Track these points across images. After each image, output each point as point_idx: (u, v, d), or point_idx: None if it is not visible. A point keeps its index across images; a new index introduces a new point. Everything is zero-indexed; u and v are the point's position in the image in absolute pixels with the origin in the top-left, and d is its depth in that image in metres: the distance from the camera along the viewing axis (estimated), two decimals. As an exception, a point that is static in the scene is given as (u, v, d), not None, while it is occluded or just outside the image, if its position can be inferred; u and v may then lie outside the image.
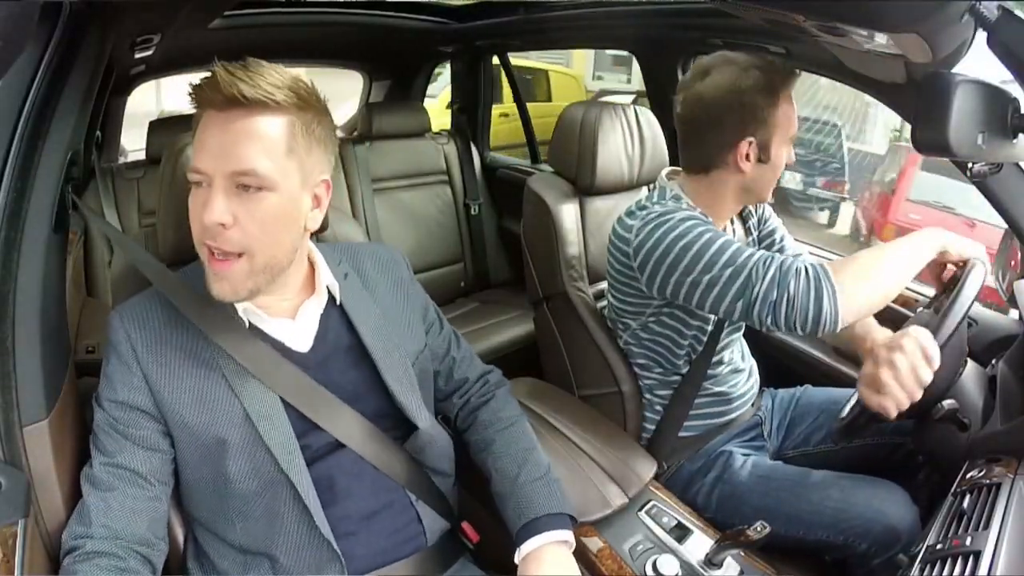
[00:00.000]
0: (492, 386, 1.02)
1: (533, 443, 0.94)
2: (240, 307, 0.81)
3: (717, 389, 1.21)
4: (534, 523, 0.84)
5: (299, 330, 0.84)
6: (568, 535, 0.84)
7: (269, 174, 0.73)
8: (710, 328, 1.17)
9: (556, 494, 0.87)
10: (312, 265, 0.88)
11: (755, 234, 1.28)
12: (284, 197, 0.75)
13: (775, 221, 1.30)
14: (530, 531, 0.83)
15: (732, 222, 1.21)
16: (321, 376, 0.82)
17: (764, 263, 0.95)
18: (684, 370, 1.19)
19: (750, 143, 1.07)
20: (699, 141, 1.12)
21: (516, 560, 0.83)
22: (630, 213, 1.13)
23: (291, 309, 0.84)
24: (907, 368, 0.87)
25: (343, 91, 2.95)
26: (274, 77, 0.74)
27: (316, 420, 0.81)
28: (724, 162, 1.10)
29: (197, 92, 0.74)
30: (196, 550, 0.84)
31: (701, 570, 0.84)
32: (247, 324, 0.82)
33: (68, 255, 1.10)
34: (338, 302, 0.87)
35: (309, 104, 0.77)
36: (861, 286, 0.92)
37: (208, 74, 0.74)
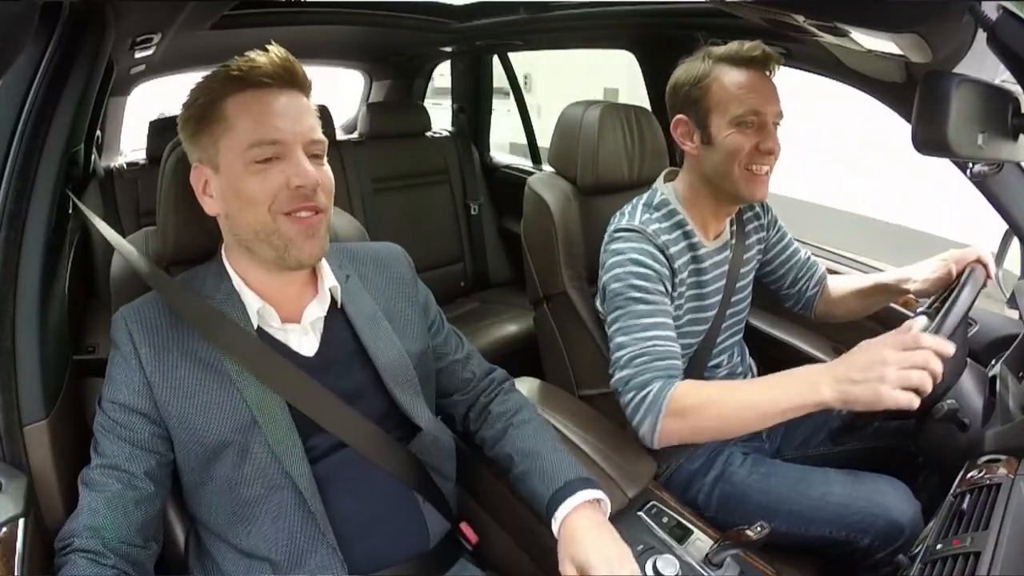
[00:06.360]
0: (498, 384, 1.02)
1: (548, 426, 0.96)
2: (254, 308, 0.82)
3: None
4: (564, 488, 0.83)
5: (305, 335, 0.84)
6: (600, 493, 0.84)
7: (326, 143, 0.81)
8: (704, 330, 1.17)
9: (577, 464, 0.89)
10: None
11: (762, 235, 1.26)
12: (328, 165, 0.82)
13: (783, 228, 1.30)
14: (561, 496, 0.83)
15: (731, 224, 1.21)
16: (325, 379, 0.82)
17: (630, 359, 0.98)
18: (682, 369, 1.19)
19: (684, 121, 1.11)
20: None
21: (554, 530, 0.82)
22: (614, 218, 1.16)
23: (298, 312, 0.84)
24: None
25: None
26: None
27: (320, 423, 0.81)
28: (679, 146, 1.13)
29: (249, 70, 0.76)
30: (198, 551, 0.84)
31: (701, 570, 0.84)
32: (255, 327, 0.82)
33: (68, 255, 1.10)
34: (339, 305, 0.87)
35: None
36: (697, 422, 0.92)
37: (253, 54, 0.77)
